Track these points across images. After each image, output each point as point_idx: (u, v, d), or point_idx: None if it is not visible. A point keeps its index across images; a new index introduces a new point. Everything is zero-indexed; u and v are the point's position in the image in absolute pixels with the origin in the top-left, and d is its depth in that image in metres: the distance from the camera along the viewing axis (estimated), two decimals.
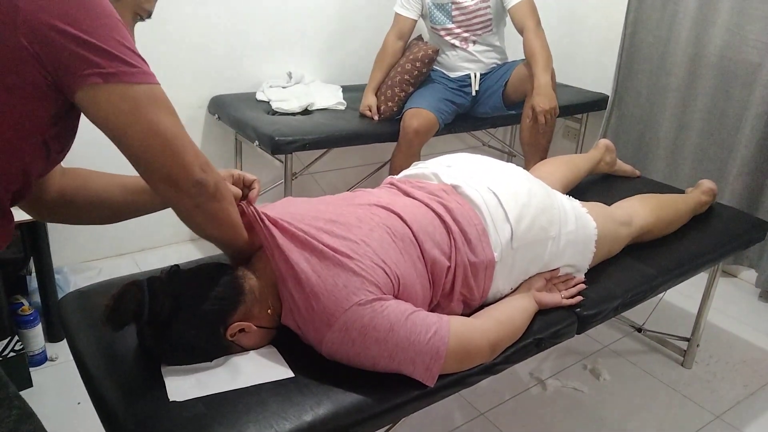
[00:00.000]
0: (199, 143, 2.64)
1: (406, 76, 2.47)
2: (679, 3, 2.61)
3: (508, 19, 2.54)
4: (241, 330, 1.08)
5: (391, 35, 2.60)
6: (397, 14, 2.60)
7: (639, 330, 2.20)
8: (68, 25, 0.78)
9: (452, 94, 2.57)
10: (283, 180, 2.38)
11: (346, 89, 2.76)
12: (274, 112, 2.44)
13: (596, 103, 3.02)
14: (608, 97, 2.99)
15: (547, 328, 1.31)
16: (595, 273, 1.52)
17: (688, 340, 2.06)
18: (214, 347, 1.08)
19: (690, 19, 2.57)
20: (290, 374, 1.08)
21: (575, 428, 1.78)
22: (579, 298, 1.40)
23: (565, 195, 1.57)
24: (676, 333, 2.12)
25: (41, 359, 1.90)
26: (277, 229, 1.12)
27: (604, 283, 1.50)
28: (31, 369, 1.83)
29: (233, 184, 1.20)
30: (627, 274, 1.56)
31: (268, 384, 1.05)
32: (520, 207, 1.35)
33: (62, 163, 1.09)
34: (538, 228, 1.36)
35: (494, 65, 2.62)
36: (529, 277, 1.39)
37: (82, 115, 0.90)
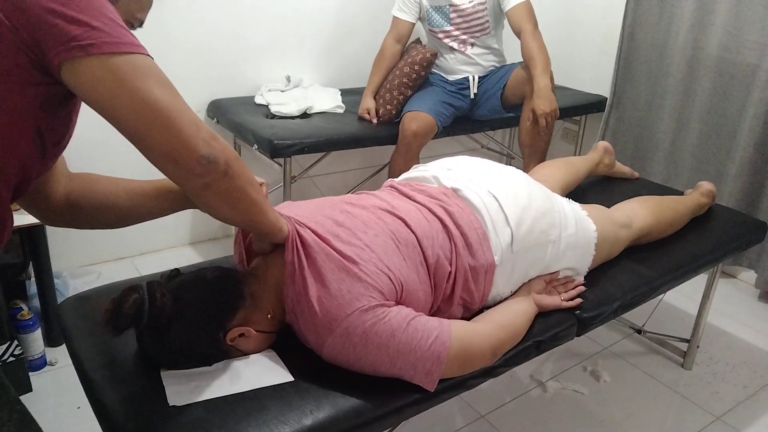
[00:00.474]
0: None
1: (405, 80, 2.47)
2: (676, 5, 2.62)
3: (506, 21, 2.55)
4: (241, 335, 1.07)
5: (388, 38, 2.60)
6: (394, 17, 2.61)
7: (639, 331, 2.20)
8: (52, 2, 0.76)
9: (450, 97, 2.57)
10: (282, 183, 2.38)
11: (344, 92, 2.76)
12: (273, 116, 2.44)
13: (595, 105, 3.02)
14: (607, 99, 2.99)
15: (547, 331, 1.31)
16: (594, 275, 1.52)
17: (688, 341, 2.06)
18: (214, 352, 1.08)
19: (688, 21, 2.57)
20: (290, 378, 1.08)
21: (576, 430, 1.78)
22: (579, 300, 1.40)
23: (564, 198, 1.58)
24: (676, 334, 2.12)
25: (41, 364, 1.90)
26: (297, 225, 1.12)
27: (604, 285, 1.50)
28: (30, 373, 1.83)
29: None
30: (626, 276, 1.56)
31: (267, 388, 1.05)
32: (520, 210, 1.35)
33: (69, 169, 1.09)
34: (538, 231, 1.36)
35: (492, 68, 2.62)
36: (529, 280, 1.39)
37: (79, 114, 0.90)
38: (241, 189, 0.94)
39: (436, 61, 2.60)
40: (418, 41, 2.68)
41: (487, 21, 2.52)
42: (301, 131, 2.29)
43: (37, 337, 1.87)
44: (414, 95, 2.53)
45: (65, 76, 0.79)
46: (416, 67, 2.47)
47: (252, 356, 1.12)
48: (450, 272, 1.22)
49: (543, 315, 1.34)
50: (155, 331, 1.02)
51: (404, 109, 2.48)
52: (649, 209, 1.72)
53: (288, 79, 2.71)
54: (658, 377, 2.02)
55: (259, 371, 1.08)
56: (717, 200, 2.01)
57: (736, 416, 1.86)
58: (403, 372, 1.06)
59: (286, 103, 2.49)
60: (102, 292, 1.32)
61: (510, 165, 1.57)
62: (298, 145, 2.21)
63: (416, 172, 1.52)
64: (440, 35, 2.57)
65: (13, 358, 1.74)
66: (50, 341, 1.98)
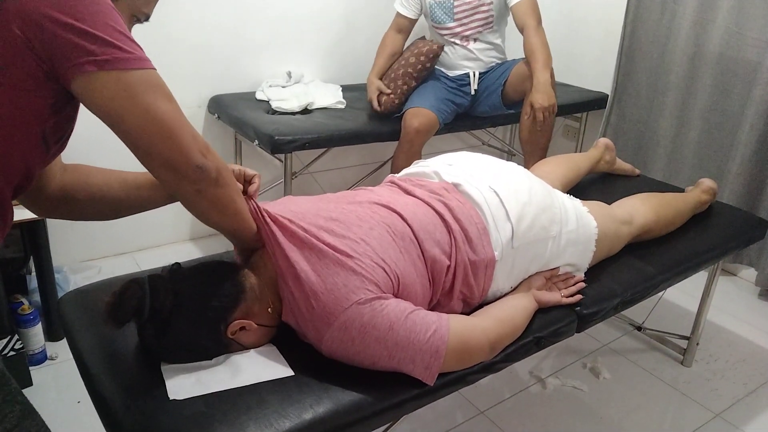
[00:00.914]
0: None
1: (410, 70, 2.47)
2: (678, 2, 2.61)
3: (509, 18, 2.54)
4: (242, 328, 1.08)
5: (390, 30, 2.62)
6: (397, 13, 2.61)
7: (639, 328, 2.21)
8: (61, 13, 0.78)
9: (452, 94, 2.57)
10: (282, 179, 2.38)
11: (345, 89, 2.76)
12: (274, 112, 2.44)
13: (596, 102, 3.02)
14: (608, 96, 2.99)
15: (546, 327, 1.31)
16: (595, 271, 1.52)
17: (687, 338, 2.06)
18: (215, 345, 1.08)
19: (689, 18, 2.57)
20: (290, 372, 1.08)
21: (575, 427, 1.79)
22: (579, 296, 1.40)
23: (566, 194, 1.58)
24: (676, 331, 2.12)
25: (41, 358, 1.90)
26: (277, 226, 1.13)
27: (604, 281, 1.50)
28: (31, 368, 1.83)
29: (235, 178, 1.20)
30: (627, 273, 1.56)
31: (267, 382, 1.05)
32: (521, 206, 1.35)
33: (63, 160, 1.09)
34: (538, 227, 1.36)
35: (493, 64, 2.62)
36: (529, 276, 1.39)
37: (81, 107, 0.90)
38: (229, 197, 1.03)
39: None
40: (423, 38, 2.68)
41: (492, 15, 2.51)
42: (302, 127, 2.29)
43: (37, 331, 1.87)
44: (416, 92, 2.53)
45: (76, 88, 0.83)
46: (422, 59, 2.46)
47: (252, 351, 1.12)
48: (449, 266, 1.22)
49: (543, 311, 1.34)
50: (156, 324, 1.02)
51: (406, 106, 2.48)
52: (649, 206, 1.71)
53: (289, 74, 2.70)
54: (658, 374, 2.02)
55: (259, 366, 1.08)
56: (718, 197, 2.01)
57: (735, 413, 1.86)
58: (402, 365, 1.06)
59: (287, 99, 2.49)
60: (102, 287, 1.32)
61: (511, 162, 1.57)
62: (299, 140, 2.21)
63: (417, 167, 1.52)
64: (443, 31, 2.57)
65: (14, 353, 1.75)
66: (51, 336, 1.98)
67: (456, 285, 1.24)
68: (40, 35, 0.78)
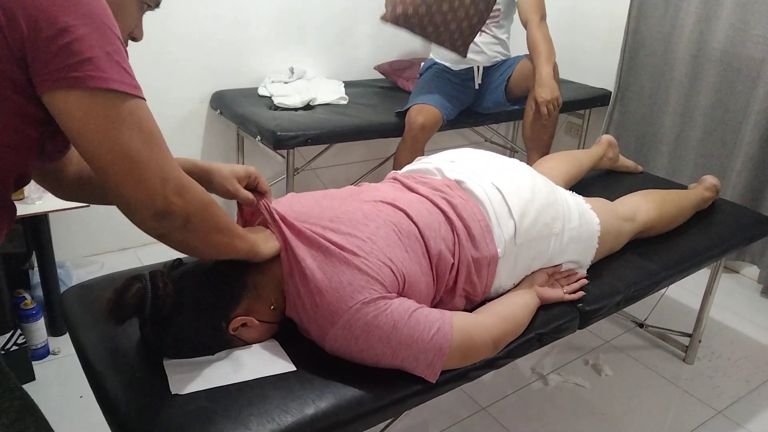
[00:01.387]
0: (201, 139, 2.64)
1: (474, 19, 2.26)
2: None
3: (515, 16, 2.54)
4: (243, 324, 1.08)
5: None
6: None
7: (641, 325, 2.20)
8: (43, 21, 0.71)
9: (456, 90, 2.56)
10: (285, 175, 2.38)
11: (348, 84, 2.76)
12: (276, 108, 2.44)
13: (599, 98, 3.01)
14: (611, 92, 2.98)
15: (549, 323, 1.31)
16: (597, 268, 1.52)
17: (690, 335, 2.06)
18: (216, 341, 1.08)
19: (693, 15, 2.56)
20: (292, 368, 1.08)
21: (576, 423, 1.79)
22: (581, 293, 1.40)
23: (568, 191, 1.57)
24: (678, 329, 2.12)
25: (44, 353, 1.90)
26: (285, 225, 1.13)
27: (607, 278, 1.50)
28: (33, 362, 1.84)
29: (249, 183, 1.19)
30: (629, 270, 1.56)
31: (269, 377, 1.05)
32: (523, 203, 1.35)
33: None
34: (541, 224, 1.36)
35: (497, 59, 2.61)
36: (532, 273, 1.39)
37: None
38: (202, 239, 0.93)
39: (441, 51, 2.60)
40: None
41: (498, 9, 2.51)
42: (304, 123, 2.29)
43: (40, 326, 1.88)
44: (420, 88, 2.53)
45: (45, 103, 0.76)
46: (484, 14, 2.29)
47: (254, 346, 1.12)
48: (452, 264, 1.22)
49: (545, 307, 1.34)
50: (158, 320, 1.02)
51: (410, 102, 2.47)
52: (652, 203, 1.71)
53: (291, 70, 2.70)
54: (660, 371, 2.02)
55: (261, 361, 1.08)
56: (721, 195, 2.01)
57: (737, 411, 1.86)
58: (406, 364, 1.06)
59: (289, 95, 2.49)
60: (105, 282, 1.32)
61: (514, 158, 1.56)
62: (301, 136, 2.21)
63: (419, 164, 1.51)
64: None
65: (17, 347, 1.75)
66: (53, 330, 1.99)
67: (459, 282, 1.24)
68: (19, 39, 0.72)
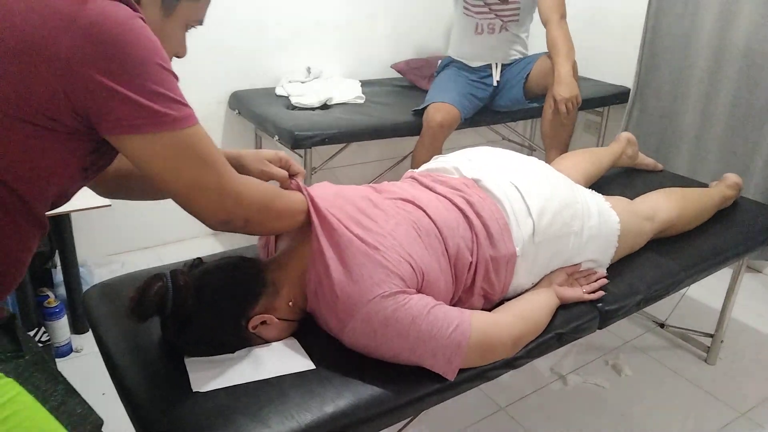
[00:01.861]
0: (220, 139, 2.66)
1: None
2: None
3: (535, 15, 2.52)
4: (263, 322, 1.08)
5: None
6: None
7: (662, 325, 2.18)
8: (105, 76, 0.78)
9: (473, 88, 2.55)
10: None
11: (365, 84, 2.76)
12: (294, 107, 2.45)
13: (618, 96, 2.98)
14: (630, 90, 2.95)
15: (568, 323, 1.31)
16: (617, 268, 1.51)
17: (711, 336, 2.03)
18: (236, 339, 1.09)
19: (714, 10, 2.52)
20: (311, 366, 1.08)
21: (596, 424, 1.77)
22: (601, 293, 1.39)
23: (588, 189, 1.56)
24: (699, 329, 2.09)
25: (67, 350, 1.93)
26: (314, 209, 1.13)
27: (627, 277, 1.48)
28: (56, 360, 1.87)
29: (281, 167, 1.22)
30: (650, 269, 1.54)
31: (289, 376, 1.05)
32: (542, 201, 1.34)
33: None
34: (560, 222, 1.35)
35: (516, 57, 2.60)
36: (551, 272, 1.38)
37: None
38: (262, 229, 1.09)
39: (459, 48, 2.59)
40: None
41: (519, 8, 2.50)
42: (321, 122, 2.29)
43: (63, 324, 1.90)
44: (437, 86, 2.52)
45: (111, 141, 0.85)
46: None
47: (274, 344, 1.13)
48: (471, 262, 1.22)
49: (564, 307, 1.33)
50: (179, 319, 1.03)
51: (427, 100, 2.47)
52: (673, 201, 1.69)
53: (308, 70, 2.71)
54: (681, 372, 2.00)
55: (281, 359, 1.09)
56: (743, 193, 1.98)
57: (761, 413, 1.83)
58: (424, 359, 1.06)
59: (306, 95, 2.50)
60: (126, 281, 1.34)
61: (532, 156, 1.55)
62: (318, 136, 2.21)
63: (437, 163, 1.51)
64: (474, 11, 2.53)
65: (41, 345, 1.78)
66: (76, 328, 2.02)
67: (477, 281, 1.23)
68: (79, 95, 0.79)
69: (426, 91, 2.65)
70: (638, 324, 2.22)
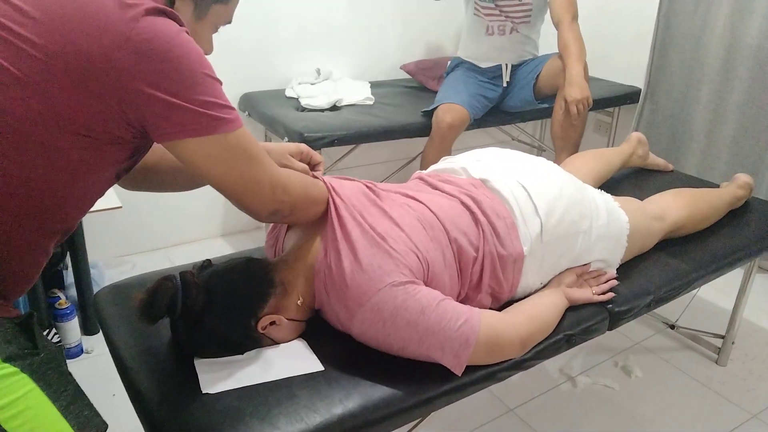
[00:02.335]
0: None
1: None
2: None
3: (546, 16, 2.51)
4: (272, 323, 1.09)
5: None
6: None
7: (672, 327, 2.17)
8: (154, 89, 0.84)
9: (483, 89, 2.55)
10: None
11: (374, 85, 2.77)
12: (303, 109, 2.45)
13: (628, 96, 2.96)
14: (641, 90, 2.93)
15: (577, 324, 1.30)
16: (627, 268, 1.50)
17: (722, 337, 2.02)
18: (246, 340, 1.10)
19: (726, 9, 2.51)
20: (320, 367, 1.09)
21: (606, 426, 1.76)
22: (610, 294, 1.39)
23: (596, 189, 1.56)
24: (710, 330, 2.08)
25: (77, 352, 1.95)
26: (332, 199, 1.16)
27: (637, 278, 1.48)
28: (67, 361, 1.88)
29: (301, 159, 1.25)
30: (660, 270, 1.53)
31: (298, 377, 1.06)
32: (550, 201, 1.34)
33: None
34: (568, 222, 1.34)
35: (526, 58, 2.60)
36: (560, 273, 1.38)
37: None
38: (305, 215, 1.13)
39: (469, 49, 2.58)
40: None
41: (530, 9, 2.49)
42: (330, 124, 2.30)
43: (74, 325, 1.92)
44: (447, 86, 2.52)
45: (166, 147, 0.92)
46: None
47: (283, 345, 1.13)
48: (475, 257, 1.22)
49: (574, 308, 1.33)
50: (188, 321, 1.04)
51: (437, 101, 2.47)
52: (683, 202, 1.68)
53: (318, 72, 2.72)
54: (692, 373, 1.99)
55: (289, 360, 1.09)
56: (754, 193, 1.97)
57: None
58: (431, 352, 1.07)
59: (316, 96, 2.51)
60: (136, 282, 1.35)
61: (540, 157, 1.55)
62: (328, 137, 2.22)
63: (445, 164, 1.51)
64: (485, 12, 2.53)
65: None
66: (86, 330, 2.03)
67: (484, 278, 1.24)
68: (134, 108, 0.85)
69: (435, 92, 2.65)
70: (648, 325, 2.21)
